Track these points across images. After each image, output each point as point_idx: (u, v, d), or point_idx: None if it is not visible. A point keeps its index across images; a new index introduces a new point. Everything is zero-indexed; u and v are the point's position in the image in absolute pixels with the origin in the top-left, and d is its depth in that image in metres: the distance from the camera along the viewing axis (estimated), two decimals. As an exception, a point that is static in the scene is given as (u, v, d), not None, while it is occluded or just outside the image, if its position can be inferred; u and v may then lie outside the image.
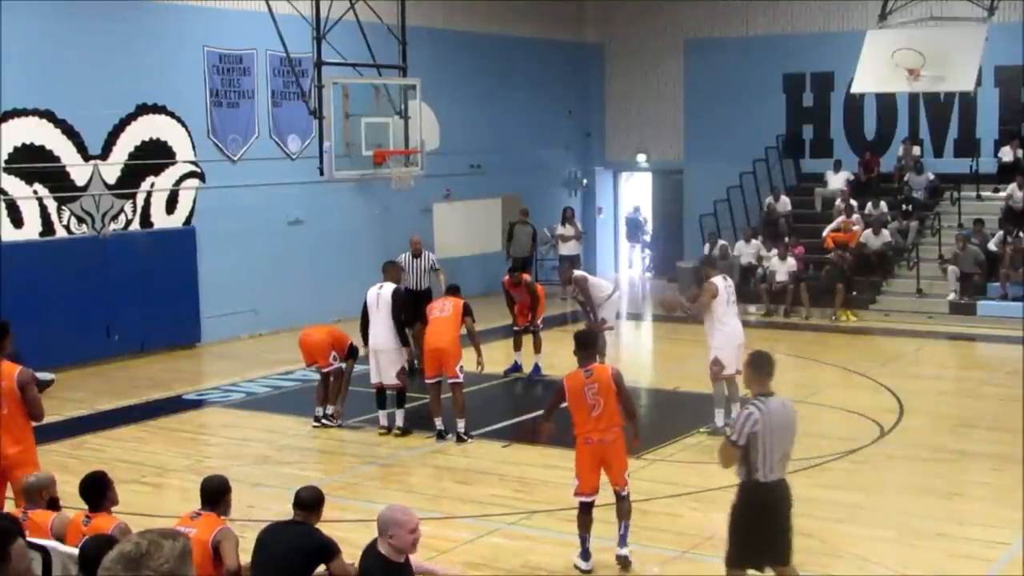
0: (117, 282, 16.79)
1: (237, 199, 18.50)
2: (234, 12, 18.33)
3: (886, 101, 22.63)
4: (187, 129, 17.90)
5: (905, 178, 22.42)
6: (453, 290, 13.56)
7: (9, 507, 8.21)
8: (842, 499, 10.24)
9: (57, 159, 16.26)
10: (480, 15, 23.14)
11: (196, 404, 14.60)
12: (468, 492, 10.66)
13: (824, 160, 23.75)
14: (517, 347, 15.75)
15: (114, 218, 17.03)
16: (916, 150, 22.80)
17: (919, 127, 23.14)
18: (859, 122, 23.71)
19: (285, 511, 7.29)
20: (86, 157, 16.59)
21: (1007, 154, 21.76)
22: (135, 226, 17.31)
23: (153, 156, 17.48)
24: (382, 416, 12.70)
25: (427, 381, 12.47)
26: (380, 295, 12.52)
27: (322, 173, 14.28)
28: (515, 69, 23.99)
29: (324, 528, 6.91)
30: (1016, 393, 13.91)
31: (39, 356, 14.98)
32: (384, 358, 12.44)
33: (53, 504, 7.12)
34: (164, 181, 17.71)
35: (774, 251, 21.02)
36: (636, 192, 27.73)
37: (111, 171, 16.94)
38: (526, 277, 15.84)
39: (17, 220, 15.91)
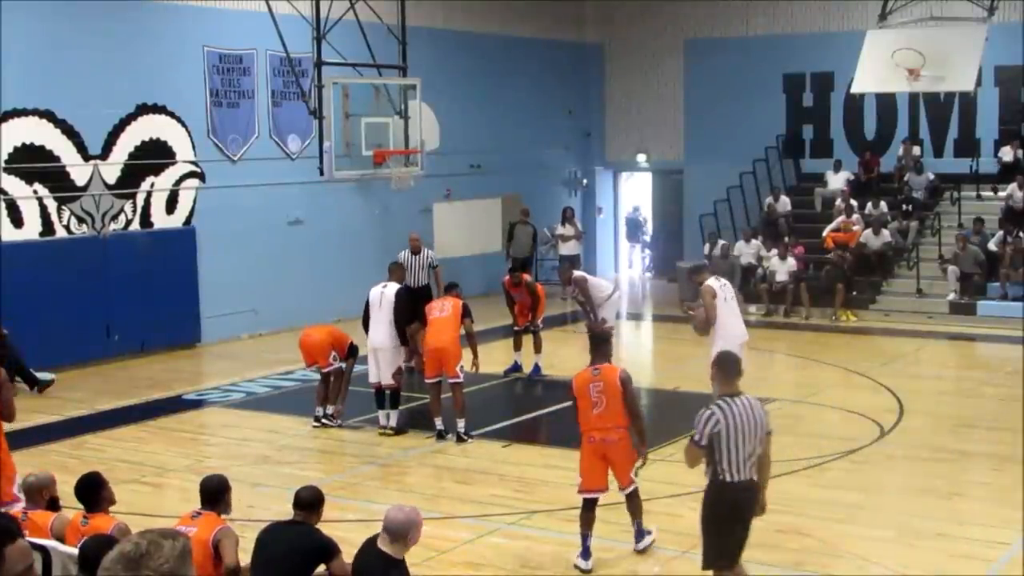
0: (117, 282, 16.79)
1: (237, 199, 18.50)
2: (234, 12, 18.33)
3: (886, 101, 22.63)
4: (187, 129, 17.91)
5: (905, 178, 22.41)
6: (453, 288, 13.53)
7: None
8: (842, 499, 10.25)
9: (57, 159, 16.26)
10: (480, 15, 23.14)
11: (196, 404, 14.60)
12: (468, 492, 10.66)
13: (824, 160, 23.75)
14: (517, 347, 15.75)
15: (114, 218, 17.03)
16: (916, 150, 22.79)
17: (919, 127, 23.14)
18: (859, 122, 23.71)
19: (285, 511, 7.29)
20: (86, 157, 16.59)
21: (1007, 154, 21.75)
22: (135, 226, 17.31)
23: (153, 156, 17.48)
24: (382, 416, 12.71)
25: (427, 381, 12.47)
26: (384, 294, 12.54)
27: (322, 173, 14.28)
28: (515, 69, 23.99)
29: (324, 528, 6.91)
30: (1016, 393, 13.91)
31: (39, 356, 15.06)
32: (383, 356, 12.47)
33: (53, 504, 7.12)
34: (164, 181, 17.71)
35: (774, 251, 21.03)
36: (636, 192, 27.73)
37: (111, 171, 16.94)
38: (526, 277, 15.84)
39: (17, 220, 15.91)
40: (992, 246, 20.08)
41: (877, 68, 18.38)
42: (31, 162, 15.94)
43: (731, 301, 12.36)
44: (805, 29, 23.90)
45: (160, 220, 17.67)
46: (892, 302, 20.45)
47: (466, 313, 12.69)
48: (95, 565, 4.99)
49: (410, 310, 13.03)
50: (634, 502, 8.80)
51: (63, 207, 16.39)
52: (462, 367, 12.39)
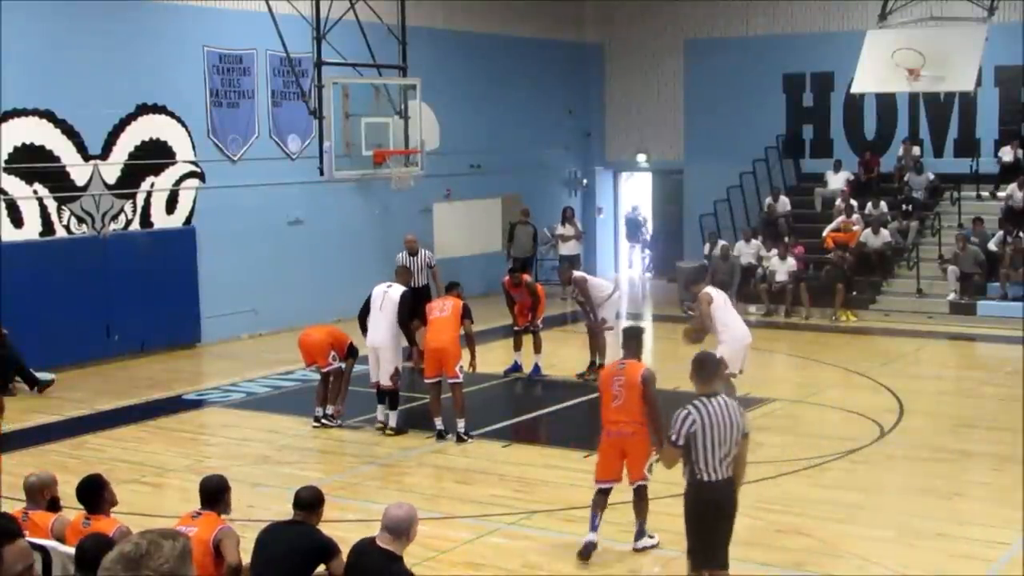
0: (117, 282, 16.79)
1: (237, 199, 18.49)
2: (234, 12, 18.33)
3: (886, 101, 22.63)
4: (187, 129, 17.90)
5: (905, 178, 22.41)
6: (453, 287, 13.51)
7: (7, 507, 8.19)
8: (842, 499, 10.25)
9: (57, 159, 16.26)
10: (480, 15, 23.14)
11: (196, 404, 14.60)
12: (468, 492, 10.65)
13: (824, 160, 23.75)
14: (517, 347, 15.75)
15: (114, 218, 17.03)
16: (916, 150, 22.79)
17: (919, 127, 23.14)
18: (859, 122, 23.71)
19: (285, 511, 7.29)
20: (86, 157, 16.59)
21: (1007, 154, 21.75)
22: (135, 226, 17.30)
23: (153, 156, 17.48)
24: (380, 412, 12.71)
25: (427, 381, 12.47)
26: (387, 295, 12.54)
27: (322, 173, 14.28)
28: (515, 69, 23.99)
29: (324, 528, 6.91)
30: (1016, 393, 13.91)
31: (39, 356, 15.07)
32: (382, 356, 12.47)
33: (54, 504, 7.12)
34: (164, 181, 17.71)
35: (774, 251, 21.03)
36: (636, 192, 27.73)
37: (111, 171, 16.94)
38: (526, 278, 15.83)
39: (17, 220, 15.91)
40: (992, 246, 20.08)
41: (877, 68, 18.38)
42: (31, 162, 15.94)
43: (730, 304, 12.51)
44: (805, 29, 23.90)
45: (160, 220, 17.67)
46: (892, 302, 20.45)
47: (466, 314, 12.68)
48: (92, 564, 5.00)
49: (412, 310, 13.06)
50: (641, 499, 8.86)
51: (63, 207, 16.39)
52: (462, 367, 12.39)
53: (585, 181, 26.56)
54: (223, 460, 11.65)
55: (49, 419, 13.64)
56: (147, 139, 17.37)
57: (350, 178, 15.99)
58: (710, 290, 12.41)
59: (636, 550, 8.91)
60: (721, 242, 21.50)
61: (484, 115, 22.93)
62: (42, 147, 16.07)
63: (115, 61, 16.85)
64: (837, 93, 23.50)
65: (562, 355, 16.23)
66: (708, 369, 7.30)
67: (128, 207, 17.22)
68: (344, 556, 6.71)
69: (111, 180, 16.94)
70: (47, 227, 16.23)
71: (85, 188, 16.62)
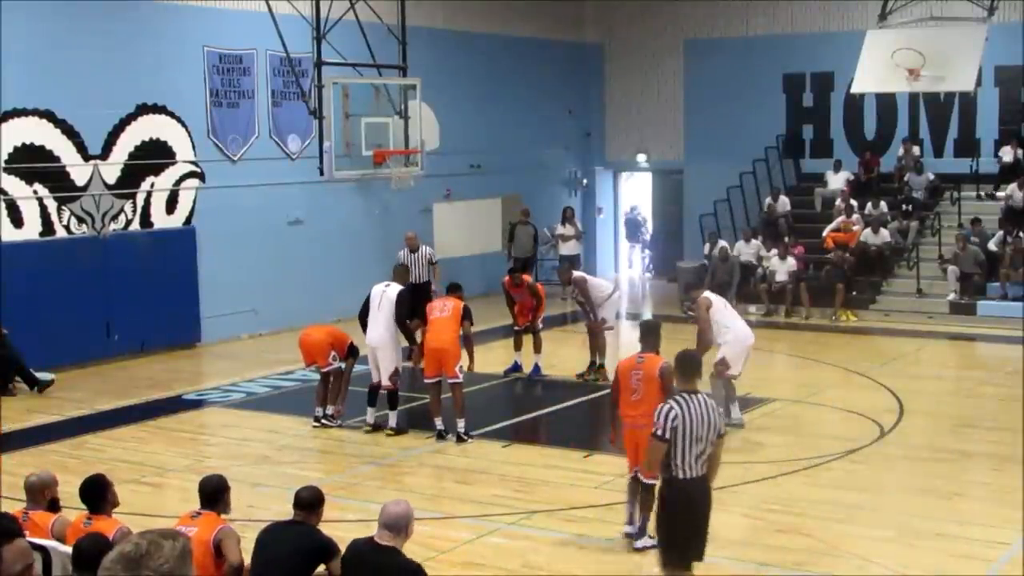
0: (117, 282, 16.79)
1: (237, 199, 18.49)
2: (234, 12, 18.33)
3: (886, 101, 22.63)
4: (187, 129, 17.90)
5: (905, 178, 22.41)
6: (455, 289, 13.52)
7: (7, 507, 8.19)
8: (842, 499, 10.25)
9: (57, 159, 16.26)
10: (480, 15, 23.14)
11: (196, 404, 14.60)
12: (468, 492, 10.65)
13: (824, 160, 23.75)
14: (517, 347, 15.75)
15: (114, 218, 17.02)
16: (916, 150, 22.79)
17: (919, 127, 23.14)
18: (859, 122, 23.71)
19: (285, 511, 7.29)
20: (86, 157, 16.59)
21: (1007, 154, 21.75)
22: (135, 226, 17.30)
23: (153, 156, 17.48)
24: (370, 414, 12.71)
25: (427, 381, 12.47)
26: (385, 294, 12.55)
27: (322, 173, 14.28)
28: (515, 69, 23.99)
29: (324, 528, 6.91)
30: (1016, 393, 13.91)
31: (39, 356, 15.07)
32: (380, 355, 12.47)
33: (53, 505, 7.12)
34: (164, 181, 17.70)
35: (774, 251, 21.02)
36: (636, 192, 27.73)
37: (111, 171, 16.94)
38: (527, 278, 15.83)
39: (17, 220, 15.91)
40: (992, 246, 20.08)
41: (877, 68, 18.39)
42: (31, 162, 15.94)
43: (729, 306, 12.63)
44: (805, 29, 23.90)
45: (160, 220, 17.66)
46: (892, 302, 20.45)
47: (466, 315, 12.68)
48: (89, 564, 5.00)
49: (411, 307, 13.08)
50: (648, 496, 8.76)
51: (63, 207, 16.38)
52: (462, 367, 12.39)
53: (585, 181, 26.56)
54: (223, 460, 11.65)
55: (49, 419, 13.64)
56: (147, 139, 17.37)
57: (350, 178, 15.99)
58: (708, 295, 12.45)
59: (636, 549, 8.91)
60: (721, 242, 21.49)
61: (484, 115, 22.94)
62: (42, 147, 16.07)
63: (115, 61, 16.85)
64: (837, 93, 23.50)
65: (562, 355, 16.23)
66: (687, 367, 7.36)
67: (128, 207, 17.22)
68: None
69: (111, 180, 16.94)
70: (47, 227, 16.23)
71: (85, 188, 16.62)
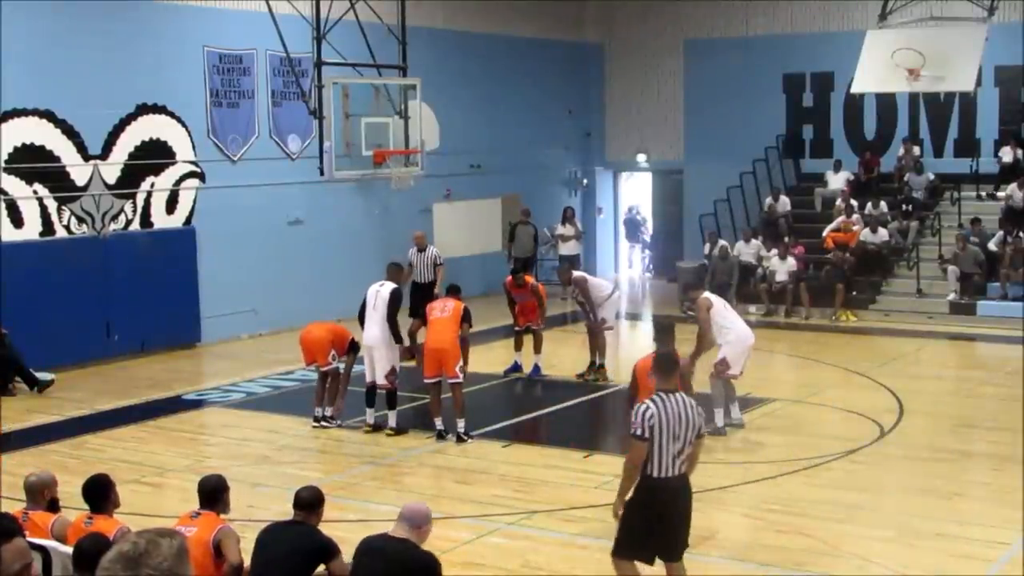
0: (117, 282, 16.79)
1: (237, 199, 18.49)
2: (234, 12, 18.33)
3: (886, 101, 22.63)
4: (187, 129, 17.90)
5: (905, 178, 22.41)
6: (454, 290, 13.58)
7: (7, 507, 8.20)
8: (842, 499, 10.24)
9: (57, 159, 16.26)
10: (480, 15, 23.14)
11: (196, 404, 14.60)
12: (468, 492, 10.65)
13: (824, 160, 23.75)
14: (518, 347, 15.75)
15: (114, 218, 17.02)
16: (916, 150, 22.80)
17: (919, 127, 23.14)
18: (859, 122, 23.71)
19: (285, 511, 7.29)
20: (86, 157, 16.59)
21: (1007, 154, 21.74)
22: (135, 226, 17.30)
23: (153, 156, 17.48)
24: (369, 414, 12.71)
25: (427, 381, 12.47)
26: (379, 293, 12.57)
27: (322, 173, 14.27)
28: (515, 69, 23.99)
29: (324, 528, 6.91)
30: (1016, 393, 13.91)
31: (39, 356, 15.07)
32: (377, 355, 12.47)
33: (53, 505, 7.11)
34: (164, 181, 17.70)
35: (774, 251, 21.02)
36: (636, 192, 27.73)
37: (111, 171, 16.94)
38: (530, 279, 15.84)
39: (17, 220, 15.91)
40: (992, 246, 20.08)
41: (877, 68, 18.38)
42: (31, 162, 15.94)
43: (729, 307, 12.66)
44: (805, 29, 23.90)
45: (160, 220, 17.66)
46: (892, 302, 20.45)
47: (465, 317, 12.70)
48: (90, 564, 5.00)
49: (417, 302, 13.08)
50: None
51: (63, 207, 16.38)
52: (462, 367, 12.39)
53: (585, 181, 26.56)
54: (223, 460, 11.65)
55: (49, 419, 13.64)
56: (147, 139, 17.37)
57: (350, 178, 15.99)
58: (708, 295, 12.46)
59: None
60: (721, 242, 21.49)
61: (484, 115, 22.93)
62: (42, 147, 16.07)
63: (115, 61, 16.85)
64: (837, 93, 23.50)
65: (562, 355, 16.23)
66: (663, 366, 7.38)
67: (128, 207, 17.22)
68: (344, 557, 6.71)
69: (111, 180, 16.94)
70: (47, 227, 16.23)
71: (85, 188, 16.61)
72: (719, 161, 23.86)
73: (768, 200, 22.98)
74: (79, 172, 16.53)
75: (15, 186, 15.85)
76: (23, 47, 15.61)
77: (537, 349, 15.52)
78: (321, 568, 6.60)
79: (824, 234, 21.37)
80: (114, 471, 9.48)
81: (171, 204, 17.83)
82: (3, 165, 15.62)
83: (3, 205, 15.72)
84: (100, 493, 6.87)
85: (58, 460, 11.46)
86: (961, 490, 10.82)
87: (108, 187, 16.89)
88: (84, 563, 5.33)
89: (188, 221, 18.05)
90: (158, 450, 12.28)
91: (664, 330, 9.71)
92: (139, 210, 17.37)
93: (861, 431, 12.52)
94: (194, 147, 18.02)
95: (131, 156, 17.17)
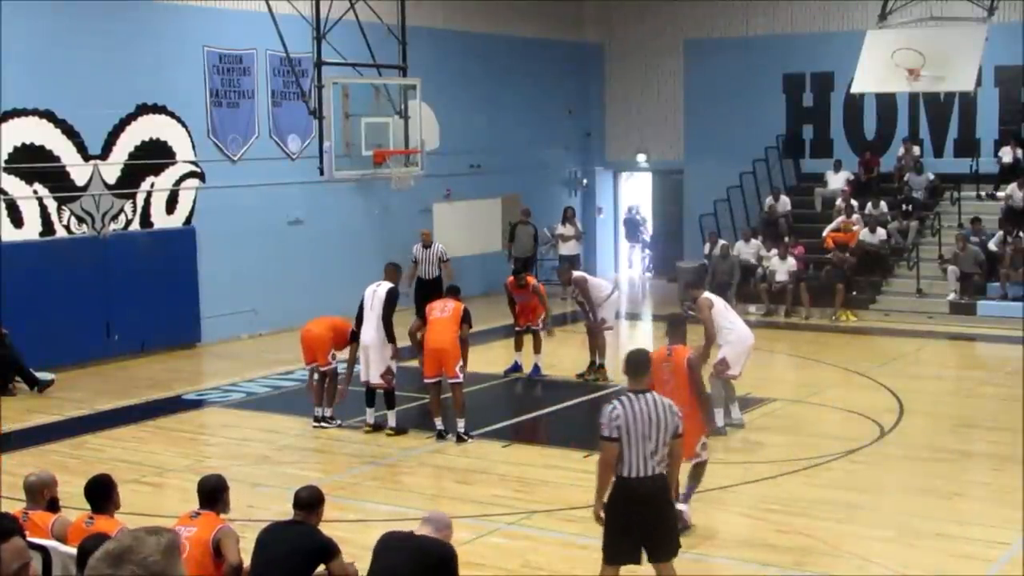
0: (117, 282, 16.79)
1: (237, 199, 18.49)
2: (234, 12, 18.33)
3: (886, 101, 22.62)
4: (187, 129, 17.90)
5: (905, 178, 22.41)
6: (453, 291, 13.58)
7: (7, 507, 8.19)
8: (842, 499, 10.24)
9: (57, 159, 16.26)
10: (480, 15, 23.14)
11: (196, 404, 14.60)
12: (468, 492, 10.65)
13: (824, 160, 23.75)
14: (518, 347, 15.75)
15: (114, 218, 17.02)
16: (916, 150, 22.79)
17: (919, 127, 23.14)
18: (859, 122, 23.71)
19: (285, 511, 7.29)
20: (86, 157, 16.59)
21: (1007, 154, 21.74)
22: (135, 226, 17.30)
23: (153, 156, 17.48)
24: (369, 414, 12.71)
25: (427, 381, 12.47)
26: (376, 293, 12.58)
27: (322, 173, 14.27)
28: (515, 69, 23.99)
29: (324, 528, 6.91)
30: (1016, 393, 13.90)
31: (39, 356, 15.07)
32: (372, 354, 12.46)
33: (53, 504, 7.11)
34: (164, 181, 17.70)
35: (774, 251, 21.02)
36: (636, 192, 27.73)
37: (111, 171, 16.94)
38: (531, 280, 15.84)
39: (17, 220, 15.91)
40: (992, 246, 20.07)
41: (877, 68, 18.38)
42: (31, 162, 15.94)
43: (729, 307, 12.72)
44: (805, 29, 23.90)
45: (160, 220, 17.66)
46: (892, 302, 20.45)
47: (465, 318, 12.70)
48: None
49: (422, 298, 13.20)
50: (697, 470, 9.41)
51: (63, 207, 16.38)
52: (462, 367, 12.39)
53: (585, 181, 26.56)
54: (223, 460, 11.65)
55: (49, 419, 13.64)
56: (147, 139, 17.37)
57: (350, 178, 15.98)
58: (709, 295, 12.45)
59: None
60: (721, 242, 21.49)
61: (484, 115, 22.93)
62: (42, 147, 16.07)
63: (115, 61, 16.85)
64: (837, 93, 23.49)
65: (562, 355, 16.22)
66: (632, 366, 7.40)
67: (128, 207, 17.22)
68: (344, 557, 6.72)
69: (111, 180, 16.94)
70: (47, 227, 16.23)
71: (85, 188, 16.61)
72: (719, 161, 23.86)
73: (768, 200, 22.98)
74: (79, 172, 16.53)
75: (15, 186, 15.85)
76: (23, 47, 15.61)
77: (537, 349, 15.52)
78: (321, 568, 6.60)
79: (824, 234, 21.37)
80: (114, 471, 9.47)
81: (171, 204, 17.83)
82: (3, 165, 15.62)
83: (3, 205, 15.72)
84: (102, 493, 6.87)
85: (58, 460, 11.46)
86: (961, 490, 10.82)
87: (108, 187, 16.89)
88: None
89: (188, 221, 18.05)
90: (158, 450, 12.28)
91: (676, 325, 9.89)
92: (139, 210, 17.37)
93: (861, 431, 12.52)
94: (194, 147, 18.02)
95: (131, 156, 17.17)
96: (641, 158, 26.44)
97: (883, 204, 21.66)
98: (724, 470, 10.79)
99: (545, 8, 24.80)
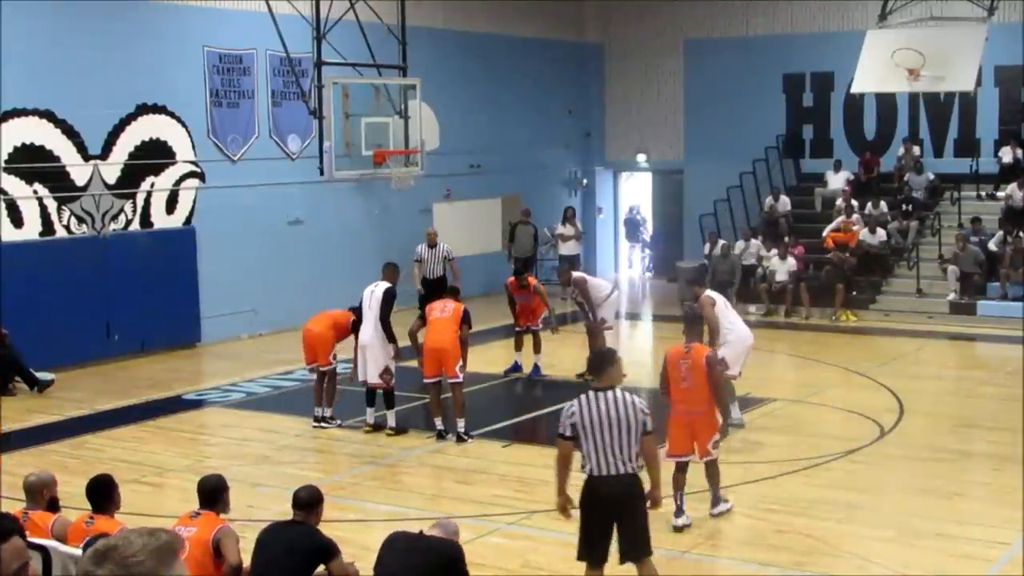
0: (117, 282, 16.78)
1: (237, 199, 18.49)
2: (234, 12, 18.33)
3: (886, 101, 22.62)
4: (187, 129, 17.90)
5: (905, 178, 22.41)
6: (453, 292, 13.59)
7: (7, 507, 8.19)
8: (842, 499, 10.24)
9: (57, 159, 16.26)
10: (480, 15, 23.14)
11: (196, 404, 14.60)
12: (468, 492, 10.65)
13: (824, 160, 23.74)
14: (518, 347, 15.75)
15: (114, 218, 17.02)
16: (916, 150, 22.79)
17: (919, 127, 23.14)
18: (859, 122, 23.71)
19: (285, 511, 7.29)
20: (86, 157, 16.59)
21: (1007, 154, 21.74)
22: (135, 226, 17.30)
23: (153, 156, 17.48)
24: (369, 414, 12.71)
25: (427, 381, 12.47)
26: (374, 293, 12.59)
27: (322, 173, 14.28)
28: (515, 69, 23.99)
29: (324, 528, 6.91)
30: (1016, 393, 13.90)
31: (39, 356, 15.07)
32: (370, 354, 12.46)
33: (53, 504, 7.11)
34: (164, 181, 17.70)
35: (774, 251, 21.01)
36: (636, 192, 27.72)
37: (111, 171, 16.94)
38: (532, 281, 15.84)
39: (17, 220, 15.91)
40: (992, 246, 20.07)
41: (877, 68, 18.38)
42: (31, 162, 15.94)
43: (729, 306, 12.69)
44: (805, 29, 23.90)
45: (160, 220, 17.66)
46: (892, 302, 20.45)
47: (465, 319, 12.69)
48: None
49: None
50: (711, 470, 9.54)
51: (63, 207, 16.38)
52: (462, 367, 12.39)
53: (585, 181, 26.56)
54: (223, 460, 11.65)
55: (49, 419, 13.64)
56: (147, 139, 17.37)
57: (350, 178, 15.99)
58: (711, 293, 12.42)
59: (713, 515, 9.51)
60: (722, 241, 21.48)
61: (484, 115, 22.93)
62: (42, 147, 16.07)
63: (115, 61, 16.84)
64: (837, 93, 23.49)
65: (562, 355, 16.22)
66: (596, 364, 7.49)
67: (128, 207, 17.21)
68: (344, 557, 6.72)
69: (111, 180, 16.94)
70: (47, 227, 16.23)
71: (85, 188, 16.61)
72: (719, 161, 23.86)
73: (768, 200, 22.98)
74: (79, 172, 16.53)
75: (15, 186, 15.85)
76: (23, 47, 15.61)
77: (536, 349, 15.53)
78: (321, 568, 6.60)
79: (824, 234, 21.37)
80: (114, 471, 9.47)
81: (171, 204, 17.83)
82: (3, 165, 15.62)
83: (3, 205, 15.72)
84: (103, 493, 6.87)
85: (58, 460, 11.46)
86: (961, 490, 10.82)
87: (108, 187, 16.89)
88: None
89: (188, 221, 18.05)
90: (158, 450, 12.28)
91: (693, 322, 10.02)
92: (139, 210, 17.37)
93: (861, 431, 12.51)
94: (194, 147, 18.02)
95: (131, 156, 17.17)
96: (641, 158, 26.43)
97: (883, 204, 21.66)
98: (724, 470, 10.75)
99: (545, 8, 24.80)
